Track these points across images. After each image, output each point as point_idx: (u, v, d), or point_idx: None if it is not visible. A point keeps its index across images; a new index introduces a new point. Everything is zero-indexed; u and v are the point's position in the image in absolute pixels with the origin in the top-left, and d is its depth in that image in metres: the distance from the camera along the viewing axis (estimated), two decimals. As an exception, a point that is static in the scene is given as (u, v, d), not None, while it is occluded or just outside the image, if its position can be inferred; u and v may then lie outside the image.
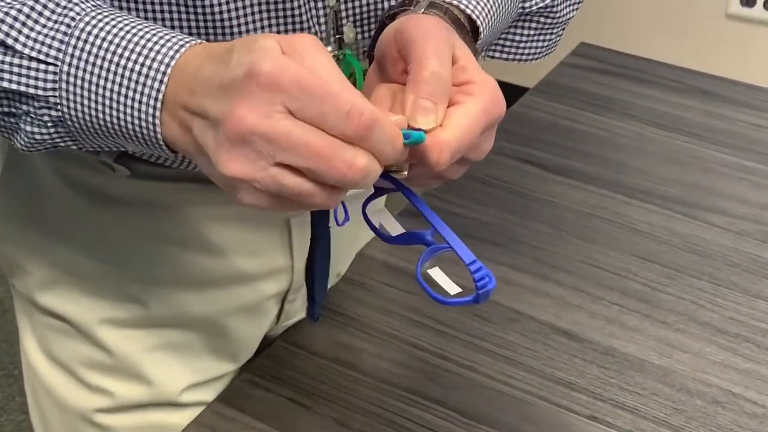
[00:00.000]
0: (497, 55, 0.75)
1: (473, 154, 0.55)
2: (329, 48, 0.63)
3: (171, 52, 0.51)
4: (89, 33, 0.52)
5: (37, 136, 0.55)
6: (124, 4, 0.58)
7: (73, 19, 0.53)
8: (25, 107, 0.54)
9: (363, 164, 0.48)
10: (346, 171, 0.48)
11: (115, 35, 0.52)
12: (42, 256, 0.75)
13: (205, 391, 0.79)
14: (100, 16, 0.53)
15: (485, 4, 0.62)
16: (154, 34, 0.52)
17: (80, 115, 0.53)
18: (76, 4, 0.54)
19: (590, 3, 0.82)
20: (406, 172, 0.54)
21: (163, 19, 0.59)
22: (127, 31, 0.52)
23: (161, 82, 0.51)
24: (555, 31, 0.76)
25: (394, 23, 0.56)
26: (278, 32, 0.61)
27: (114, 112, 0.52)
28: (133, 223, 0.71)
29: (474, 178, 1.04)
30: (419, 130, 0.51)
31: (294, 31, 0.61)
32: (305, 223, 0.75)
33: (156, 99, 0.51)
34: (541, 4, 0.73)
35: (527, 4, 0.72)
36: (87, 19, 0.53)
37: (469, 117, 0.52)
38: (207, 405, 0.79)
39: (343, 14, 0.62)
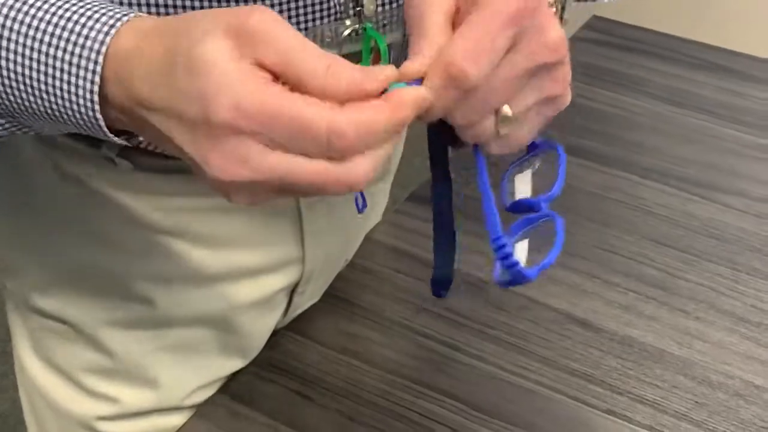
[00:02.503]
0: None
1: (541, 55, 0.48)
2: (348, 22, 0.58)
3: (101, 36, 0.45)
4: (13, 8, 0.47)
5: None
6: None
7: None
8: None
9: (363, 174, 0.43)
10: (350, 188, 0.44)
11: (44, 12, 0.46)
12: (39, 255, 0.71)
13: (212, 392, 0.76)
14: None
15: None
16: (83, 13, 0.46)
17: (15, 106, 0.49)
18: None
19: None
20: None
21: None
22: (57, 8, 0.46)
23: (94, 72, 0.45)
24: None
25: None
26: (297, 4, 0.57)
27: (47, 104, 0.47)
28: (137, 218, 0.67)
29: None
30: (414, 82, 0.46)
31: (313, 4, 0.57)
32: (317, 210, 0.72)
33: (92, 92, 0.46)
34: None
35: None
36: None
37: (472, 25, 0.46)
38: (209, 397, 0.76)
39: None
